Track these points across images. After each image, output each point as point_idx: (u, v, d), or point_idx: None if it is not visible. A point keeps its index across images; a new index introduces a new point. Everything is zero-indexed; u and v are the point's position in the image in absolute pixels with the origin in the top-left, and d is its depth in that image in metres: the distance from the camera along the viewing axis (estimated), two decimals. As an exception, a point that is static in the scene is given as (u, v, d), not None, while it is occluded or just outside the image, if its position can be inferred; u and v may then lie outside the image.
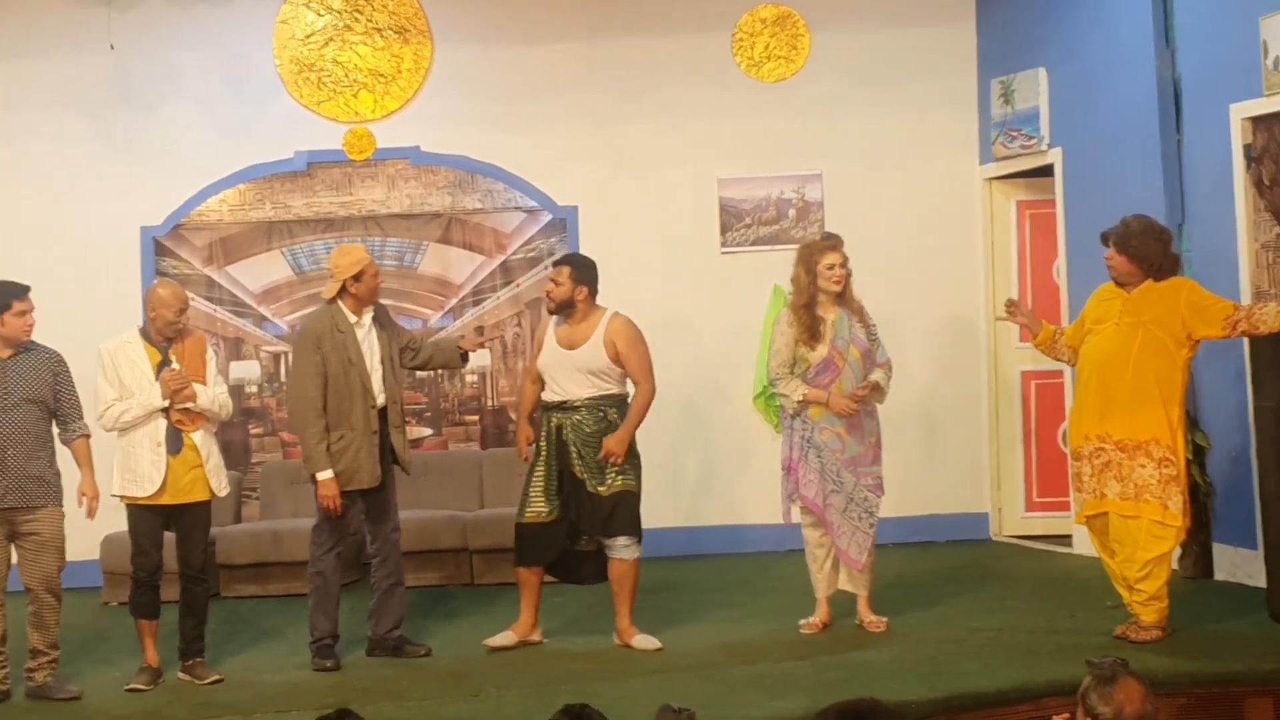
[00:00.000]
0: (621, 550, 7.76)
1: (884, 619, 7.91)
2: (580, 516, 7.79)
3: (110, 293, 10.49)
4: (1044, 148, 10.18)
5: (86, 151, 10.70)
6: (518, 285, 10.74)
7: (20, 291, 7.32)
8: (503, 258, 10.75)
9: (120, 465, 7.46)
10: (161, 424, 7.42)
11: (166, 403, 7.39)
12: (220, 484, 7.60)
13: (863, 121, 10.80)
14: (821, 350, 7.81)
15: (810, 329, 7.81)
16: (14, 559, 7.37)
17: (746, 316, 10.54)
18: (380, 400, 7.76)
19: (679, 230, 10.78)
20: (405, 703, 6.90)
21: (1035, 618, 8.03)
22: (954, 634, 7.72)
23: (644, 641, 7.77)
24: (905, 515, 10.53)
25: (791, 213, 10.77)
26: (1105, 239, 7.44)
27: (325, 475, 7.60)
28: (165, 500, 7.44)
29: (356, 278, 7.72)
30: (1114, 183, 9.43)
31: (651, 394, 7.82)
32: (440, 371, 10.48)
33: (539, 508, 7.81)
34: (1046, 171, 10.27)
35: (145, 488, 7.40)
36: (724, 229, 10.79)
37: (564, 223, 10.77)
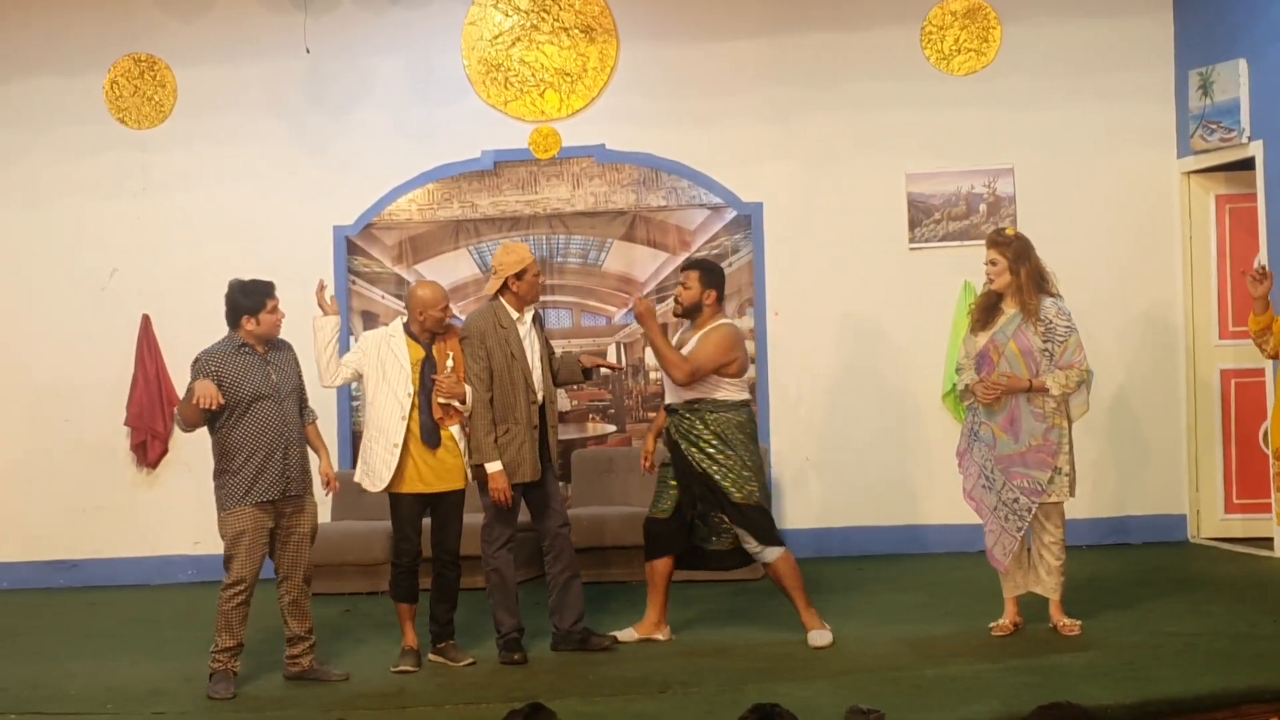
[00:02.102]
0: (767, 554, 7.86)
1: (1078, 622, 7.75)
2: (709, 507, 7.89)
3: (304, 290, 10.67)
4: (1244, 141, 9.89)
5: (283, 153, 10.97)
6: (702, 283, 10.72)
7: (271, 289, 7.56)
8: (686, 255, 10.74)
9: (361, 458, 7.76)
10: (401, 426, 7.63)
11: (411, 394, 7.62)
12: (470, 474, 7.82)
13: (1056, 114, 10.61)
14: (981, 340, 7.75)
15: (976, 315, 7.83)
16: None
17: (935, 314, 10.42)
18: (540, 397, 7.87)
19: (866, 226, 10.69)
20: (593, 698, 6.92)
21: (1235, 622, 7.82)
22: (1150, 638, 7.54)
23: (815, 638, 7.79)
24: (1100, 516, 10.37)
25: (982, 207, 10.60)
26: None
27: (495, 467, 7.73)
28: (426, 489, 7.67)
29: (519, 275, 7.84)
30: (1319, 176, 9.14)
31: (676, 370, 7.80)
32: (627, 370, 10.68)
33: (661, 505, 8.04)
34: (1247, 165, 9.98)
35: (374, 483, 7.66)
36: (912, 225, 10.67)
37: (749, 219, 10.74)
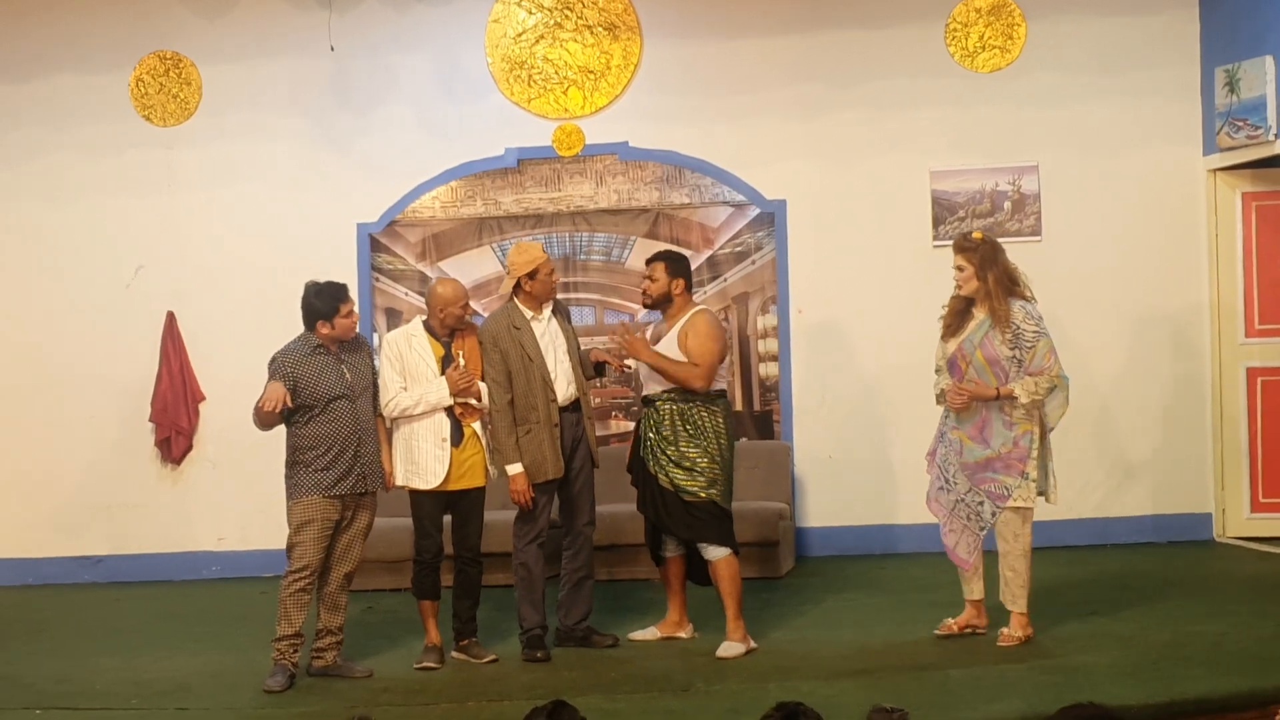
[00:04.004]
0: (710, 552, 7.76)
1: (1018, 636, 7.48)
2: (656, 513, 7.85)
3: (328, 288, 10.73)
4: (1271, 138, 9.83)
5: (307, 150, 10.99)
6: (724, 280, 10.72)
7: (344, 294, 7.58)
8: (710, 252, 10.74)
9: (403, 457, 7.71)
10: (445, 420, 7.66)
11: (452, 400, 7.62)
12: (493, 471, 7.82)
13: (1081, 112, 10.56)
14: (951, 347, 7.69)
15: (948, 321, 7.75)
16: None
17: (959, 311, 10.37)
18: (571, 392, 7.88)
19: (890, 224, 10.66)
20: (616, 696, 6.93)
21: (1261, 622, 7.77)
22: (1176, 638, 7.51)
23: (725, 648, 7.65)
24: (1125, 515, 10.34)
25: (1007, 205, 10.56)
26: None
27: (515, 469, 7.76)
28: (448, 487, 7.68)
29: (531, 275, 7.86)
30: (1346, 173, 9.08)
31: (696, 380, 7.71)
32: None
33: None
34: (1274, 163, 9.94)
35: (429, 480, 7.65)
36: (936, 222, 10.63)
37: (772, 216, 10.73)
